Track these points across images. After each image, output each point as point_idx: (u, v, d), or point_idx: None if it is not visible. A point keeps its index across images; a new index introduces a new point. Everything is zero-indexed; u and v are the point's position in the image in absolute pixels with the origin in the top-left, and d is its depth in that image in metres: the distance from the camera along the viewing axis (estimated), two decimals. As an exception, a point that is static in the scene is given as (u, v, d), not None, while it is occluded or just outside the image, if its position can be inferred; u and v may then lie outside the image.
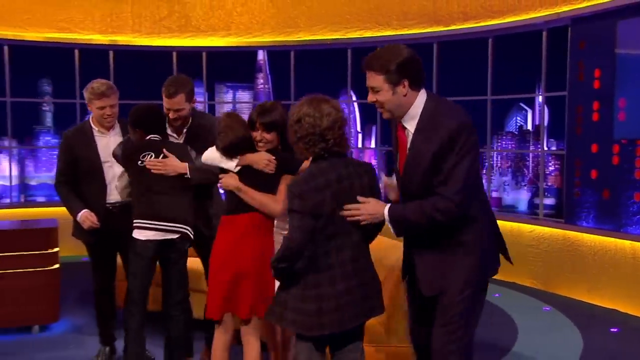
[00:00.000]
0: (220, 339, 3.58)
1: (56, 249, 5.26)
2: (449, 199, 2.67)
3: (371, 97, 2.83)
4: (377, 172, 3.32)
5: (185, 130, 4.20)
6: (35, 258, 5.17)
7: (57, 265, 5.26)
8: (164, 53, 8.85)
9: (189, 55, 8.95)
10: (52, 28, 8.54)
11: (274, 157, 3.47)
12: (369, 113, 9.58)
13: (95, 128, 4.39)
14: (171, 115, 4.08)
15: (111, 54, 8.80)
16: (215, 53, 9.02)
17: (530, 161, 8.82)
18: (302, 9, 8.73)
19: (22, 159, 9.59)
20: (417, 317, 3.09)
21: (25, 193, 9.55)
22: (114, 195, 4.33)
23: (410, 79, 2.75)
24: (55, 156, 5.20)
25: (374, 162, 9.84)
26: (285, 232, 3.02)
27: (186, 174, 3.91)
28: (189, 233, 3.95)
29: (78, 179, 4.33)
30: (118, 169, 4.25)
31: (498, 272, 3.06)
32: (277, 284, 3.10)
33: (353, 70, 8.81)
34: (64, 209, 4.44)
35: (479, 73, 7.92)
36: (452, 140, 2.68)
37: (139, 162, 3.90)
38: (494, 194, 8.62)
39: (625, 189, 6.30)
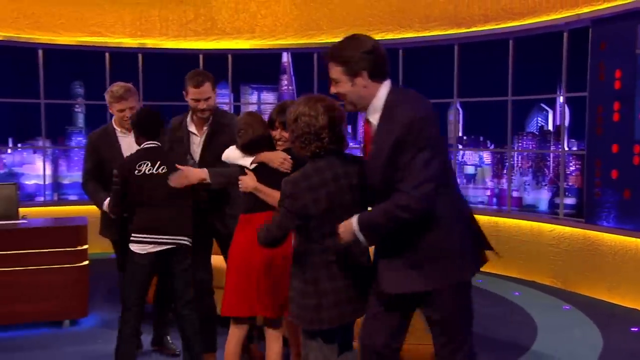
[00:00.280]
0: (235, 334, 3.58)
1: (85, 246, 5.31)
2: (407, 194, 2.50)
3: (332, 89, 2.77)
4: None
5: (206, 127, 4.20)
6: (66, 255, 5.23)
7: (86, 262, 5.31)
8: (190, 55, 8.89)
9: (215, 58, 8.98)
10: (85, 32, 8.63)
11: (289, 156, 3.46)
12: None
13: (117, 129, 4.48)
14: (200, 105, 4.09)
15: (140, 56, 8.87)
16: (240, 55, 9.04)
17: (551, 161, 8.69)
18: (324, 12, 8.71)
19: (55, 158, 9.70)
20: (376, 315, 2.87)
21: (58, 191, 9.66)
22: None
23: (369, 70, 2.66)
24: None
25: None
26: None
27: (206, 179, 3.90)
28: (188, 244, 3.93)
29: (104, 179, 4.36)
30: None
31: (481, 269, 2.94)
32: None
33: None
34: (94, 207, 4.49)
35: (499, 74, 7.84)
36: (408, 132, 2.53)
37: (136, 171, 3.85)
38: (515, 194, 8.52)
39: (646, 189, 6.19)
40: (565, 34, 7.17)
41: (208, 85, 4.08)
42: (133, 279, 3.89)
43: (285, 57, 9.77)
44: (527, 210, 8.52)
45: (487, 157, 9.27)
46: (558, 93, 7.75)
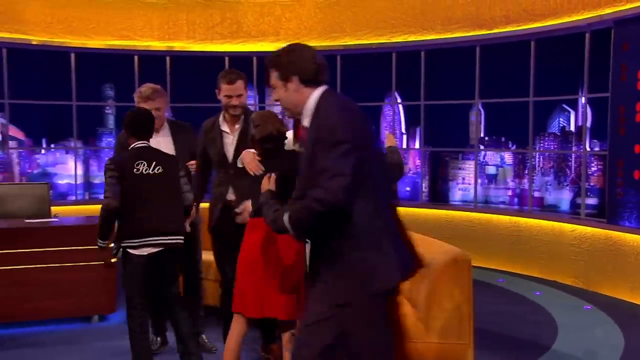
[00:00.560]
0: (236, 329, 3.60)
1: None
2: (322, 187, 2.45)
3: (272, 96, 2.79)
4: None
5: (238, 125, 4.25)
6: (96, 252, 5.26)
7: (114, 260, 5.34)
8: (216, 58, 8.92)
9: (240, 60, 9.00)
10: (115, 36, 8.71)
11: (258, 158, 3.52)
12: (413, 115, 9.47)
13: None
14: (232, 101, 4.15)
15: (168, 59, 8.92)
16: (265, 57, 9.03)
17: (573, 162, 8.57)
18: (348, 15, 8.68)
19: (86, 158, 9.81)
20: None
21: (89, 191, 9.77)
22: None
23: (300, 75, 2.66)
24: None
25: (417, 162, 9.73)
26: None
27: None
28: (182, 242, 3.92)
29: None
30: None
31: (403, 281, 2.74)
32: None
33: (397, 74, 8.73)
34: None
35: (521, 75, 7.74)
36: (325, 133, 2.51)
37: (135, 170, 3.81)
38: (536, 194, 8.42)
39: (669, 190, 6.06)
40: (587, 35, 7.06)
41: (240, 83, 4.15)
42: (133, 278, 3.85)
43: (309, 59, 9.74)
44: (549, 211, 8.41)
45: (508, 157, 9.17)
46: (580, 94, 7.63)
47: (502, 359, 4.65)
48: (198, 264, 4.71)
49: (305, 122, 2.71)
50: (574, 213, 7.98)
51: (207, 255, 4.70)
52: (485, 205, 8.74)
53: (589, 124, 7.58)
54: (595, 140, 7.97)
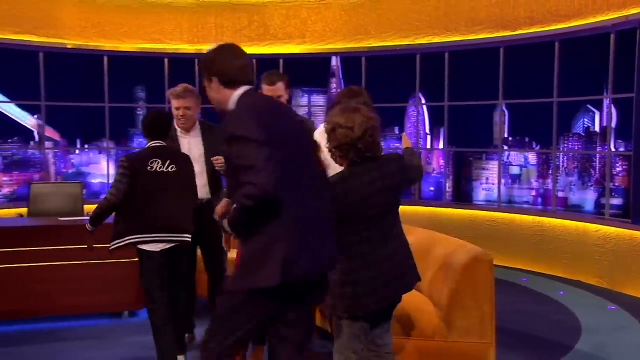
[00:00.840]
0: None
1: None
2: (249, 183, 2.46)
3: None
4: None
5: None
6: (128, 249, 5.31)
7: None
8: (244, 61, 8.94)
9: (267, 62, 9.01)
10: (146, 39, 8.79)
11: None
12: (437, 116, 9.40)
13: (178, 130, 4.48)
14: None
15: (197, 62, 8.97)
16: (291, 60, 9.05)
17: (597, 162, 8.42)
18: (373, 17, 8.64)
19: (118, 159, 9.91)
20: None
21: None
22: None
23: (219, 77, 2.72)
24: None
25: (441, 162, 9.65)
26: None
27: None
28: (189, 240, 3.98)
29: None
30: (198, 168, 4.29)
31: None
32: None
33: (422, 75, 8.66)
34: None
35: (545, 75, 7.63)
36: (232, 133, 2.54)
37: (149, 167, 3.85)
38: (560, 194, 8.28)
39: (695, 191, 5.91)
40: (612, 36, 6.92)
41: (281, 85, 4.11)
42: (150, 272, 3.91)
43: (335, 61, 9.73)
44: (573, 211, 8.28)
45: (532, 157, 9.05)
46: (605, 94, 7.49)
47: (525, 359, 4.58)
48: (224, 264, 4.71)
49: None
50: (599, 213, 7.83)
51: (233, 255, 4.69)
52: (509, 205, 8.63)
53: (613, 124, 7.44)
54: (620, 141, 7.82)
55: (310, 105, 10.27)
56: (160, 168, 3.87)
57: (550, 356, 4.61)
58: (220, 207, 2.75)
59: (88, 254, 5.21)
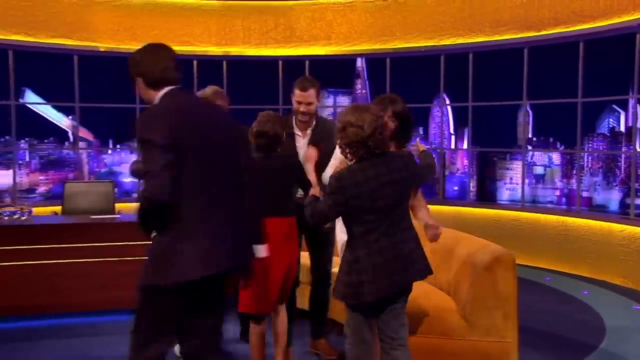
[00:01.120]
0: (256, 328, 3.72)
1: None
2: (146, 186, 2.53)
3: None
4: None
5: (310, 130, 4.24)
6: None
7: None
8: (270, 62, 8.97)
9: (293, 64, 9.02)
10: (175, 42, 8.84)
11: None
12: (461, 116, 9.31)
13: None
14: (302, 108, 4.12)
15: (224, 63, 9.02)
16: (317, 61, 9.04)
17: (622, 162, 8.26)
18: (397, 19, 8.59)
19: (149, 158, 10.02)
20: None
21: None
22: None
23: (142, 77, 2.76)
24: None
25: (465, 162, 9.56)
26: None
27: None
28: None
29: None
30: None
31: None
32: None
33: (446, 76, 8.58)
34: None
35: (569, 75, 7.50)
36: (138, 131, 2.57)
37: None
38: (585, 194, 8.15)
39: None
40: (638, 36, 6.77)
41: (312, 92, 4.10)
42: None
43: (360, 62, 9.71)
44: (597, 211, 8.13)
45: (556, 157, 8.92)
46: (630, 94, 7.34)
47: (548, 358, 4.50)
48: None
49: None
50: (623, 213, 7.68)
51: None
52: (533, 205, 8.51)
53: (639, 124, 7.28)
54: (646, 141, 7.65)
55: (336, 105, 10.25)
56: None
57: (574, 356, 4.52)
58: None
59: (117, 250, 5.29)
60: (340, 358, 4.06)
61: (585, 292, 6.42)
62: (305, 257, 4.36)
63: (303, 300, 4.55)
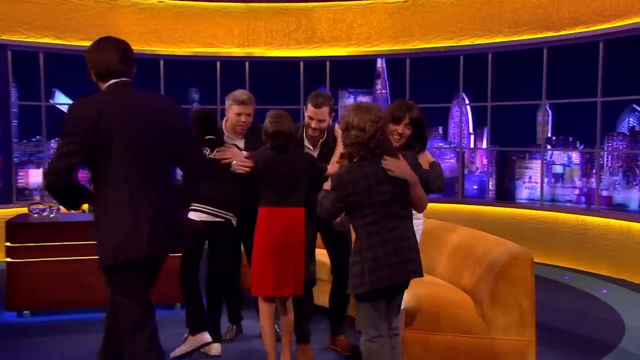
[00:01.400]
0: (265, 308, 3.85)
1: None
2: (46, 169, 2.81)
3: None
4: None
5: (320, 143, 4.13)
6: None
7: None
8: (292, 63, 8.98)
9: (314, 64, 9.03)
10: (199, 44, 8.91)
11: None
12: (480, 115, 9.24)
13: (225, 134, 4.35)
14: (313, 124, 4.00)
15: (247, 64, 9.05)
16: (338, 62, 9.03)
17: (643, 161, 8.14)
18: (417, 19, 8.55)
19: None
20: None
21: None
22: None
23: (93, 70, 2.91)
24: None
25: (485, 161, 9.48)
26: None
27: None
28: (232, 219, 4.21)
29: None
30: None
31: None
32: None
33: (465, 76, 8.52)
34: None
35: (589, 75, 7.39)
36: (63, 122, 2.75)
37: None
38: (604, 193, 8.03)
39: None
40: (658, 35, 6.67)
41: (326, 110, 3.98)
42: (190, 244, 4.14)
43: (380, 63, 9.69)
44: (617, 209, 8.02)
45: (575, 156, 8.81)
46: (650, 93, 7.22)
47: (567, 356, 4.45)
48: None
49: None
50: (643, 212, 7.57)
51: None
52: (552, 203, 8.41)
53: (659, 123, 7.16)
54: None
55: (356, 105, 10.23)
56: (208, 155, 4.12)
57: (592, 355, 4.47)
58: None
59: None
60: (358, 354, 4.05)
61: (605, 291, 6.33)
62: (324, 256, 4.37)
63: (324, 298, 4.55)
